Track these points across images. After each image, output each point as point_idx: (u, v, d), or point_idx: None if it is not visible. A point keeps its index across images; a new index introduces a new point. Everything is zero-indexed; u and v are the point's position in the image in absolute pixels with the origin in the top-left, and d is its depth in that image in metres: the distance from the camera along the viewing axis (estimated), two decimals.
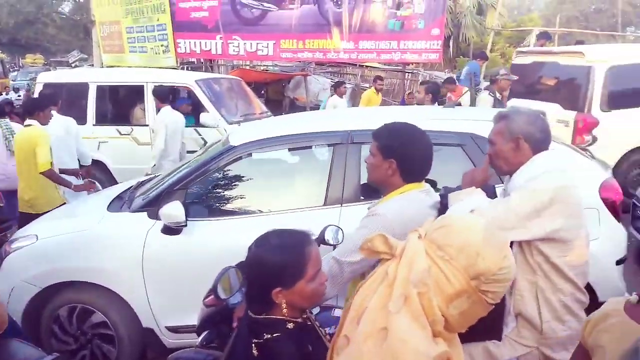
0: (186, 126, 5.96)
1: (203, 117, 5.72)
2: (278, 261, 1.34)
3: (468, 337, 1.65)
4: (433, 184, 1.92)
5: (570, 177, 1.76)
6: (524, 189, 1.63)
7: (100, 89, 6.26)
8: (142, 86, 6.15)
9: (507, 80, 5.65)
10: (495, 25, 14.56)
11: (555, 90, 5.67)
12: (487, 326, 1.60)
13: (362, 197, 2.78)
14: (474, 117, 3.16)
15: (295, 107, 11.05)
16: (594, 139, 5.48)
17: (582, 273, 1.72)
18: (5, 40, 26.43)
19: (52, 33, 26.47)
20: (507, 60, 15.17)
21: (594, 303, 2.73)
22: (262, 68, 12.53)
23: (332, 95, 8.63)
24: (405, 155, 1.69)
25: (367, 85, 13.16)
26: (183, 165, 3.25)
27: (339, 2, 8.97)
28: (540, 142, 1.74)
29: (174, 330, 2.86)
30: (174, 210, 2.61)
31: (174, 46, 9.59)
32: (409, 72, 11.73)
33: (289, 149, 3.00)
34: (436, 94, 6.00)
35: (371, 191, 2.81)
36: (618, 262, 2.76)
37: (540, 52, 6.94)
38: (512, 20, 19.44)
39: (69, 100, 6.20)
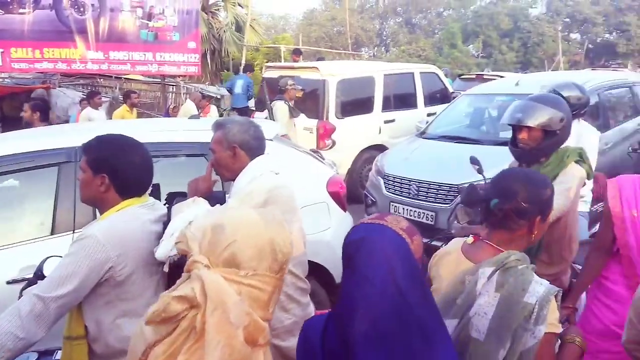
0: None
1: None
2: None
3: None
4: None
5: (282, 178, 1.94)
6: (240, 192, 1.73)
7: None
8: None
9: (294, 89, 6.01)
10: (253, 42, 15.43)
11: (300, 101, 6.27)
12: None
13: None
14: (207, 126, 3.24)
15: (39, 125, 9.56)
16: (334, 143, 6.29)
17: (299, 263, 1.90)
18: None
19: None
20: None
21: (332, 285, 3.14)
22: None
23: (84, 109, 7.78)
24: (117, 168, 1.59)
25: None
26: None
27: (82, 9, 8.19)
28: (255, 148, 1.88)
29: None
30: None
31: None
32: (171, 85, 11.46)
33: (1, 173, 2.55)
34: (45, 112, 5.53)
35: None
36: None
37: (284, 67, 7.63)
38: (268, 38, 20.98)
39: None
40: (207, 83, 13.26)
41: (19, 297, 1.81)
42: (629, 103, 5.58)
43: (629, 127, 5.26)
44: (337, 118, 6.37)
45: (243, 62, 11.97)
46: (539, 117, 2.19)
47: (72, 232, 2.52)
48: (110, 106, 10.68)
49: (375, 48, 34.89)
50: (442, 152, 4.90)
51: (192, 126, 3.29)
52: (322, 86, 6.33)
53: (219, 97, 10.99)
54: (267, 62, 18.92)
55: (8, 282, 2.31)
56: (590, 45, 30.86)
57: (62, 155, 2.60)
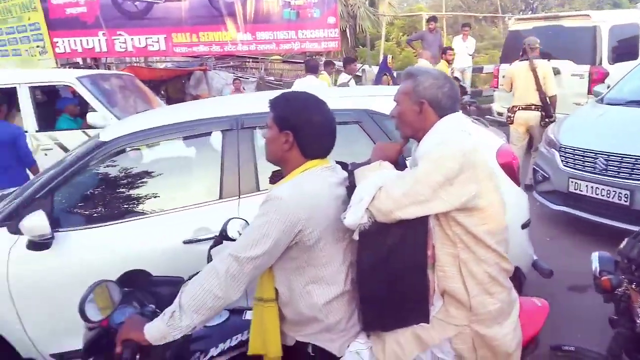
0: (73, 129, 5.37)
1: (91, 118, 5.16)
2: None
3: (394, 323, 1.52)
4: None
5: (476, 140, 1.65)
6: (430, 156, 1.49)
7: None
8: (14, 88, 5.44)
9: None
10: (387, 15, 15.00)
11: (564, 49, 6.39)
12: (412, 309, 1.50)
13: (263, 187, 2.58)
14: (369, 93, 3.09)
15: None
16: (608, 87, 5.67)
17: (503, 240, 1.58)
18: None
19: None
20: (402, 49, 15.72)
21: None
22: (162, 65, 11.81)
23: (236, 88, 8.28)
24: (302, 126, 1.52)
25: (272, 78, 12.97)
26: (48, 168, 2.83)
27: None
28: (446, 108, 1.58)
29: (60, 357, 2.49)
30: (36, 221, 2.23)
31: (51, 46, 8.70)
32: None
33: (171, 140, 2.71)
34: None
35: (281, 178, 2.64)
36: (524, 226, 2.79)
37: (542, 18, 7.65)
38: (403, 11, 20.28)
39: None
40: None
41: (208, 256, 1.89)
42: None
43: None
44: (609, 64, 6.51)
45: (383, 33, 11.63)
46: None
47: (237, 197, 2.58)
48: (257, 87, 11.32)
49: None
50: (637, 119, 4.17)
51: (344, 93, 3.18)
52: (594, 32, 6.56)
53: (359, 73, 10.90)
54: (403, 35, 18.37)
55: (184, 242, 2.45)
56: None
57: (225, 123, 2.65)
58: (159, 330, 1.40)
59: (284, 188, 1.48)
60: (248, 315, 1.78)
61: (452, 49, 8.19)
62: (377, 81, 7.78)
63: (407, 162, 1.72)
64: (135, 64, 10.82)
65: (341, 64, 8.57)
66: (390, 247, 1.46)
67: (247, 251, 1.40)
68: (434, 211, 1.45)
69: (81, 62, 9.92)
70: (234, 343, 1.68)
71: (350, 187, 1.55)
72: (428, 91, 1.58)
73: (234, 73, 12.18)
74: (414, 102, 1.59)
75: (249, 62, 11.93)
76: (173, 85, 11.25)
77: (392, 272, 1.47)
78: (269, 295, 1.54)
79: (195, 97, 11.14)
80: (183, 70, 11.07)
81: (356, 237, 1.46)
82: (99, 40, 8.64)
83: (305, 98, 1.61)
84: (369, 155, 1.73)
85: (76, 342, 2.41)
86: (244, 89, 10.27)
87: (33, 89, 5.58)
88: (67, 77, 5.66)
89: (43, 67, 8.62)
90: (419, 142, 1.62)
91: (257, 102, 3.05)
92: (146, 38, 8.69)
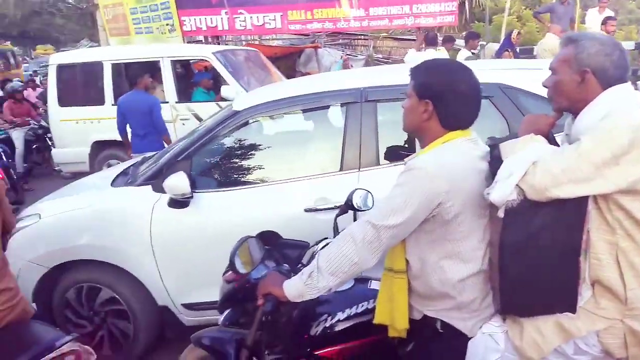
0: (206, 101, 5.79)
1: (224, 90, 5.53)
2: None
3: (536, 309, 1.43)
4: None
5: None
6: (596, 130, 1.32)
7: (115, 67, 6.11)
8: (158, 62, 6.03)
9: None
10: None
11: None
12: (558, 296, 1.40)
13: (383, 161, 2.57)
14: (502, 66, 2.90)
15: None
16: None
17: None
18: (15, 33, 26.45)
19: (60, 23, 26.38)
20: (523, 24, 14.57)
21: None
22: (275, 43, 12.22)
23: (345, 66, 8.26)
24: (444, 95, 1.45)
25: (380, 56, 12.78)
26: (187, 135, 3.07)
27: None
28: (613, 79, 1.40)
29: (190, 307, 2.74)
30: (178, 181, 2.44)
31: (179, 24, 9.37)
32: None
33: (298, 111, 2.79)
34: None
35: (394, 155, 2.62)
36: None
37: None
38: None
39: (84, 80, 6.18)
40: (461, 35, 12.62)
41: (334, 224, 1.94)
42: None
43: None
44: None
45: (508, 5, 10.75)
46: None
47: (357, 170, 2.60)
48: (365, 64, 11.24)
49: None
50: None
51: (473, 65, 3.00)
52: None
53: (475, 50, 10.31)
54: (525, 9, 16.98)
55: (305, 210, 2.54)
56: None
57: (350, 96, 2.66)
58: (296, 288, 1.46)
59: (425, 158, 1.43)
60: (373, 284, 1.79)
61: (613, 19, 7.25)
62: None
63: (558, 139, 1.58)
64: (250, 42, 11.30)
65: (455, 41, 8.19)
66: (540, 227, 1.35)
67: (385, 219, 1.39)
68: (595, 192, 1.31)
69: (203, 40, 10.60)
70: (359, 310, 1.70)
71: (493, 162, 1.45)
72: (593, 59, 1.40)
73: (342, 51, 12.20)
74: (575, 71, 1.42)
75: (360, 38, 11.84)
76: (285, 63, 11.57)
77: (539, 255, 1.37)
78: (399, 266, 1.52)
79: (305, 74, 11.40)
80: (295, 48, 11.34)
81: (501, 214, 1.37)
82: (222, 18, 9.12)
83: (449, 65, 1.54)
84: (500, 132, 1.62)
85: (204, 295, 2.66)
86: (351, 66, 10.25)
87: (174, 63, 6.11)
88: (205, 52, 6.14)
89: (172, 44, 9.34)
90: (575, 115, 1.47)
91: (382, 75, 3.03)
92: (264, 16, 8.99)
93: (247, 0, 8.99)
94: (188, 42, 10.02)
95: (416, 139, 1.58)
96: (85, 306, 2.80)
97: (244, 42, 11.32)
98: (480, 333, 1.49)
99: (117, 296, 2.74)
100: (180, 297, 2.72)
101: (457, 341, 1.50)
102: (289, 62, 11.52)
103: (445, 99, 1.45)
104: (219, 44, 10.20)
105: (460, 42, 9.84)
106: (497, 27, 13.47)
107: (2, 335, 1.70)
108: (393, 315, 1.53)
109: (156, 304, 2.75)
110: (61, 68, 6.26)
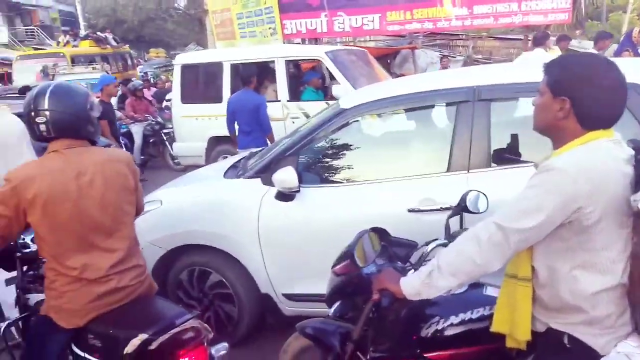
0: (315, 101, 5.97)
1: (335, 89, 5.65)
2: None
3: None
4: None
5: None
6: None
7: (234, 67, 6.46)
8: (273, 62, 6.34)
9: None
10: None
11: None
12: None
13: (494, 164, 2.46)
14: (634, 65, 2.64)
15: None
16: None
17: None
18: (132, 37, 29.18)
19: (171, 28, 28.71)
20: None
21: None
22: (371, 44, 12.23)
23: (443, 67, 8.01)
24: (584, 92, 1.35)
25: (480, 56, 12.26)
26: (295, 131, 3.17)
27: None
28: None
29: (290, 297, 2.82)
30: (286, 175, 2.53)
31: (280, 28, 9.72)
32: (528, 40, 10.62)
33: (405, 110, 2.76)
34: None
35: (503, 158, 2.49)
36: None
37: None
38: None
39: (204, 79, 6.67)
40: (578, 32, 11.67)
41: (446, 225, 1.88)
42: None
43: None
44: None
45: (631, 1, 9.75)
46: None
47: (466, 171, 2.50)
48: (464, 65, 10.85)
49: None
50: None
51: None
52: None
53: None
54: None
55: (409, 210, 2.50)
56: None
57: (462, 95, 2.57)
58: (413, 286, 1.44)
59: (565, 158, 1.33)
60: (489, 290, 1.71)
61: None
62: None
63: None
64: (345, 44, 11.40)
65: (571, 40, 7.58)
66: None
67: (515, 222, 1.32)
68: None
69: (300, 42, 10.90)
70: (475, 316, 1.63)
71: (639, 166, 1.32)
72: None
73: (440, 51, 11.89)
74: None
75: (460, 38, 11.45)
76: (379, 64, 11.55)
77: None
78: (524, 273, 1.43)
79: (399, 76, 11.26)
80: (390, 49, 11.25)
81: None
82: (321, 21, 9.30)
83: (590, 60, 1.42)
84: (635, 137, 1.47)
85: (305, 287, 2.73)
86: (449, 67, 9.95)
87: (288, 63, 6.36)
88: (317, 52, 6.35)
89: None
90: None
91: (496, 73, 2.89)
92: (362, 18, 9.03)
93: (347, 3, 9.08)
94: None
95: (550, 140, 1.47)
96: (195, 288, 3.00)
97: (338, 44, 11.45)
98: (615, 352, 1.36)
99: (224, 280, 2.90)
100: (281, 287, 2.81)
101: (586, 358, 1.38)
102: (383, 63, 11.46)
103: (587, 96, 1.34)
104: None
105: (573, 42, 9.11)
106: (612, 25, 12.32)
107: (134, 306, 1.87)
108: (514, 324, 1.45)
109: (259, 290, 2.87)
110: (185, 68, 6.79)
